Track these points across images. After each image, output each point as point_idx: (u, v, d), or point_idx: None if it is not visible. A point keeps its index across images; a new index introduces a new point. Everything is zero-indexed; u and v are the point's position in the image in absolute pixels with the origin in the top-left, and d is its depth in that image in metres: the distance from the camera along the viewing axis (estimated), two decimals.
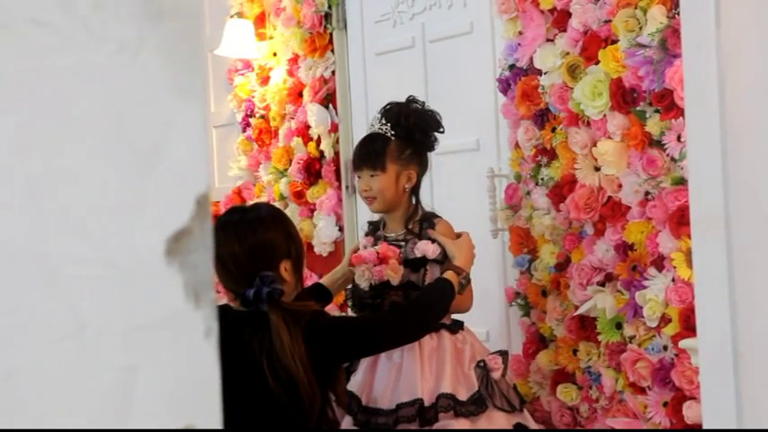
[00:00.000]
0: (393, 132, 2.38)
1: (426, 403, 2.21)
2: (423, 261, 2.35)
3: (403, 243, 2.39)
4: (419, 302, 2.21)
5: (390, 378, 2.28)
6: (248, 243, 1.96)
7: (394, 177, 2.37)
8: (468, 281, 2.30)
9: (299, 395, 1.89)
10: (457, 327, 2.38)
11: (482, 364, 2.28)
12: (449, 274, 2.24)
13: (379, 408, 2.26)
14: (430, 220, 2.40)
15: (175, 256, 0.57)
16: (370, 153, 2.38)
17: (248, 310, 1.95)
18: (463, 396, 2.23)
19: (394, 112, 2.40)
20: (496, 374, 2.27)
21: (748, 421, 1.42)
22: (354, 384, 2.33)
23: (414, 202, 2.44)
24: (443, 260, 2.35)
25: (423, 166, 2.43)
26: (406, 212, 2.42)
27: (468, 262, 2.32)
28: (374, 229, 2.50)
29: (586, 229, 2.49)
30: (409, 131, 2.39)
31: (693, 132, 1.48)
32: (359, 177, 2.43)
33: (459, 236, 2.39)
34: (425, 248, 2.35)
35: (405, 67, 3.12)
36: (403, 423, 2.21)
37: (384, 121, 2.39)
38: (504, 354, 2.34)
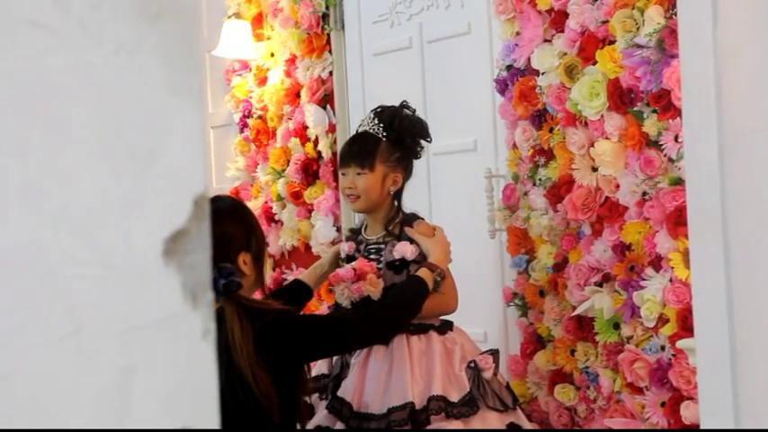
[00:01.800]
0: (385, 134, 2.37)
1: (417, 406, 2.20)
2: (404, 263, 2.34)
3: (383, 246, 2.39)
4: (392, 301, 2.19)
5: (380, 382, 2.27)
6: None
7: (380, 178, 2.37)
8: (443, 277, 2.28)
9: (252, 393, 1.87)
10: (446, 327, 2.36)
11: (473, 364, 2.27)
12: (423, 272, 2.22)
13: (371, 412, 2.25)
14: (410, 221, 2.39)
15: (173, 257, 0.57)
16: (361, 151, 2.37)
17: (216, 309, 1.93)
18: (454, 397, 2.22)
19: (387, 115, 2.40)
20: (488, 374, 2.26)
21: (746, 421, 1.42)
22: (345, 390, 2.32)
23: (396, 205, 2.44)
24: (423, 260, 2.34)
25: (408, 172, 2.43)
26: (387, 215, 2.41)
27: (444, 258, 2.30)
28: (355, 234, 2.50)
29: (584, 229, 2.49)
30: (401, 135, 2.39)
31: (691, 133, 1.48)
32: (343, 174, 2.41)
33: (434, 230, 2.38)
34: (404, 250, 2.34)
35: (402, 67, 3.12)
36: (395, 427, 2.20)
37: (377, 122, 2.38)
38: (494, 353, 2.33)
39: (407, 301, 2.18)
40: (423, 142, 2.43)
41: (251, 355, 1.87)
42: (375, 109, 2.44)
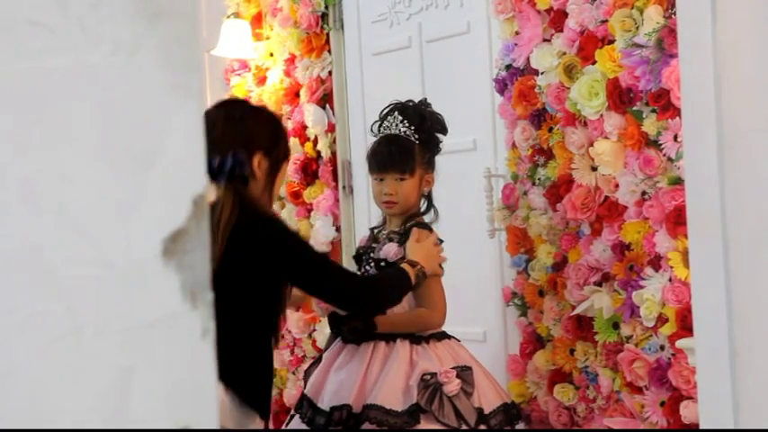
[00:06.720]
0: (417, 136, 2.34)
1: (355, 410, 2.16)
2: (388, 264, 2.30)
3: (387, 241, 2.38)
4: (378, 279, 2.16)
5: (338, 378, 2.23)
6: (233, 120, 1.97)
7: (418, 182, 2.35)
8: (425, 275, 2.20)
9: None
10: (426, 338, 2.29)
11: (428, 377, 2.17)
12: (404, 266, 2.17)
13: (320, 407, 2.24)
14: (413, 226, 2.33)
15: (172, 257, 0.57)
16: (402, 156, 2.33)
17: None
18: (398, 407, 2.14)
19: (413, 115, 2.36)
20: (449, 388, 2.16)
21: (745, 421, 1.42)
22: (311, 381, 2.31)
23: (421, 204, 2.41)
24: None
25: (434, 169, 2.42)
26: (414, 213, 2.39)
27: (425, 258, 2.22)
28: (375, 228, 2.48)
29: (583, 228, 2.49)
30: (431, 135, 2.37)
31: (690, 132, 1.49)
32: (381, 180, 2.36)
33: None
34: (388, 250, 2.31)
35: (402, 67, 3.12)
36: (332, 426, 2.17)
37: (407, 124, 2.34)
38: (465, 369, 2.23)
39: (393, 285, 2.14)
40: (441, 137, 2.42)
41: (225, 244, 1.87)
42: (395, 107, 2.38)
